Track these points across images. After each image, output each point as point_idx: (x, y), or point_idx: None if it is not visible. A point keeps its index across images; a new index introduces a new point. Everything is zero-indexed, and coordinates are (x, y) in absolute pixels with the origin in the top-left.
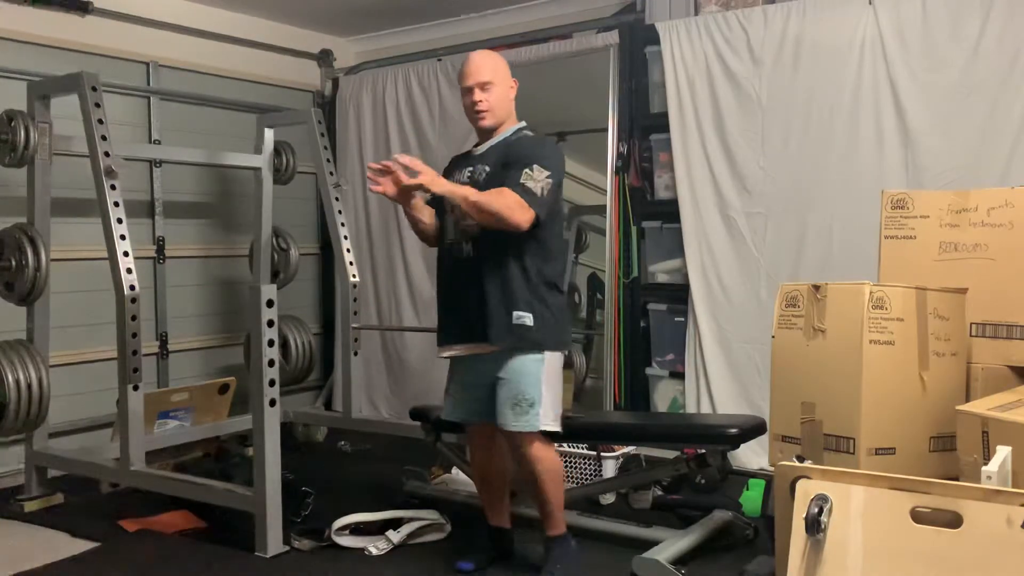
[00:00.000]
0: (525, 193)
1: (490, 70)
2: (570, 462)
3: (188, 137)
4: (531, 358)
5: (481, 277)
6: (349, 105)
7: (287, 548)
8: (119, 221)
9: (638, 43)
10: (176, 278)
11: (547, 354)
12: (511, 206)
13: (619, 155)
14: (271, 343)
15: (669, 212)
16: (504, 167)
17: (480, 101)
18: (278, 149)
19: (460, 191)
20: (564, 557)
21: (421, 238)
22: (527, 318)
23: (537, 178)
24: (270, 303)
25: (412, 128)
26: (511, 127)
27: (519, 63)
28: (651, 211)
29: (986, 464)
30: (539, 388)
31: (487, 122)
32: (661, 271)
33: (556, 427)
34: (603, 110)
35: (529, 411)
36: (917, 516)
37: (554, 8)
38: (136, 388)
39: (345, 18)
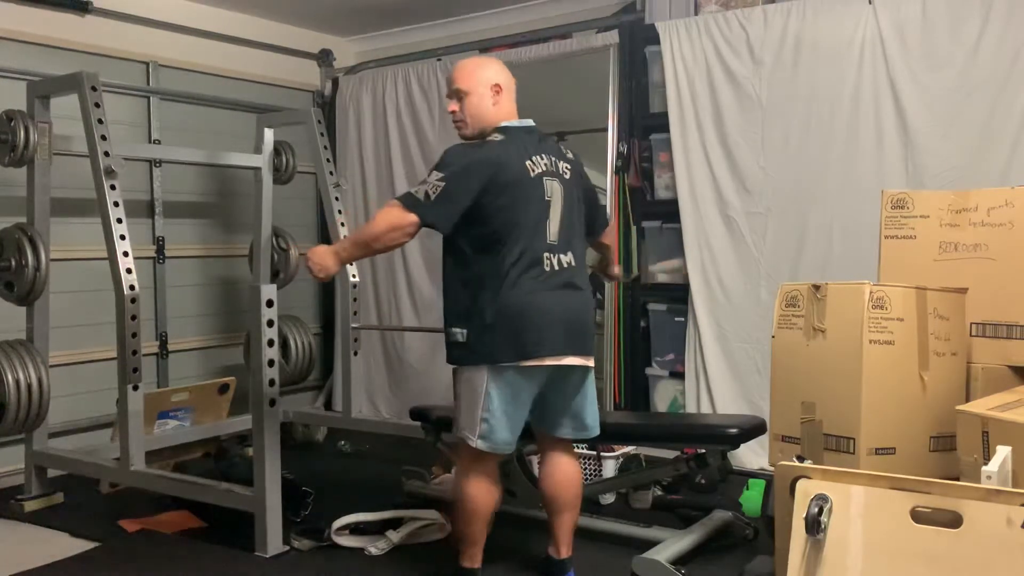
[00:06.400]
0: (405, 197)
1: (465, 78)
2: None
3: (188, 137)
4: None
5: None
6: (349, 105)
7: (287, 548)
8: (119, 221)
9: (638, 43)
10: (176, 278)
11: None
12: (376, 220)
13: (619, 155)
14: (271, 343)
15: (669, 212)
16: None
17: (453, 112)
18: (278, 149)
19: (346, 244)
20: None
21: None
22: (459, 334)
23: (428, 180)
24: (270, 303)
25: (412, 128)
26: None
27: (519, 63)
28: (651, 211)
29: (986, 464)
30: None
31: (463, 132)
32: (661, 271)
33: (472, 442)
34: (603, 110)
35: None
36: (917, 516)
37: (554, 8)
38: (136, 388)
39: (345, 18)
